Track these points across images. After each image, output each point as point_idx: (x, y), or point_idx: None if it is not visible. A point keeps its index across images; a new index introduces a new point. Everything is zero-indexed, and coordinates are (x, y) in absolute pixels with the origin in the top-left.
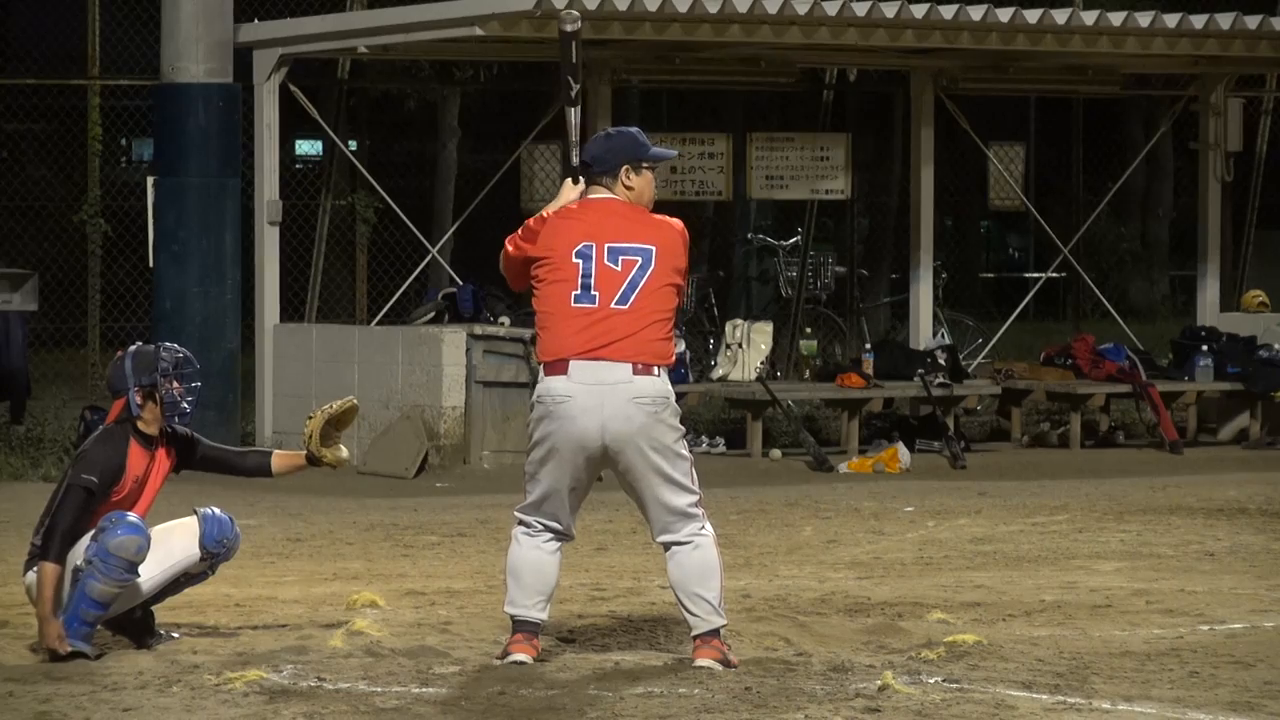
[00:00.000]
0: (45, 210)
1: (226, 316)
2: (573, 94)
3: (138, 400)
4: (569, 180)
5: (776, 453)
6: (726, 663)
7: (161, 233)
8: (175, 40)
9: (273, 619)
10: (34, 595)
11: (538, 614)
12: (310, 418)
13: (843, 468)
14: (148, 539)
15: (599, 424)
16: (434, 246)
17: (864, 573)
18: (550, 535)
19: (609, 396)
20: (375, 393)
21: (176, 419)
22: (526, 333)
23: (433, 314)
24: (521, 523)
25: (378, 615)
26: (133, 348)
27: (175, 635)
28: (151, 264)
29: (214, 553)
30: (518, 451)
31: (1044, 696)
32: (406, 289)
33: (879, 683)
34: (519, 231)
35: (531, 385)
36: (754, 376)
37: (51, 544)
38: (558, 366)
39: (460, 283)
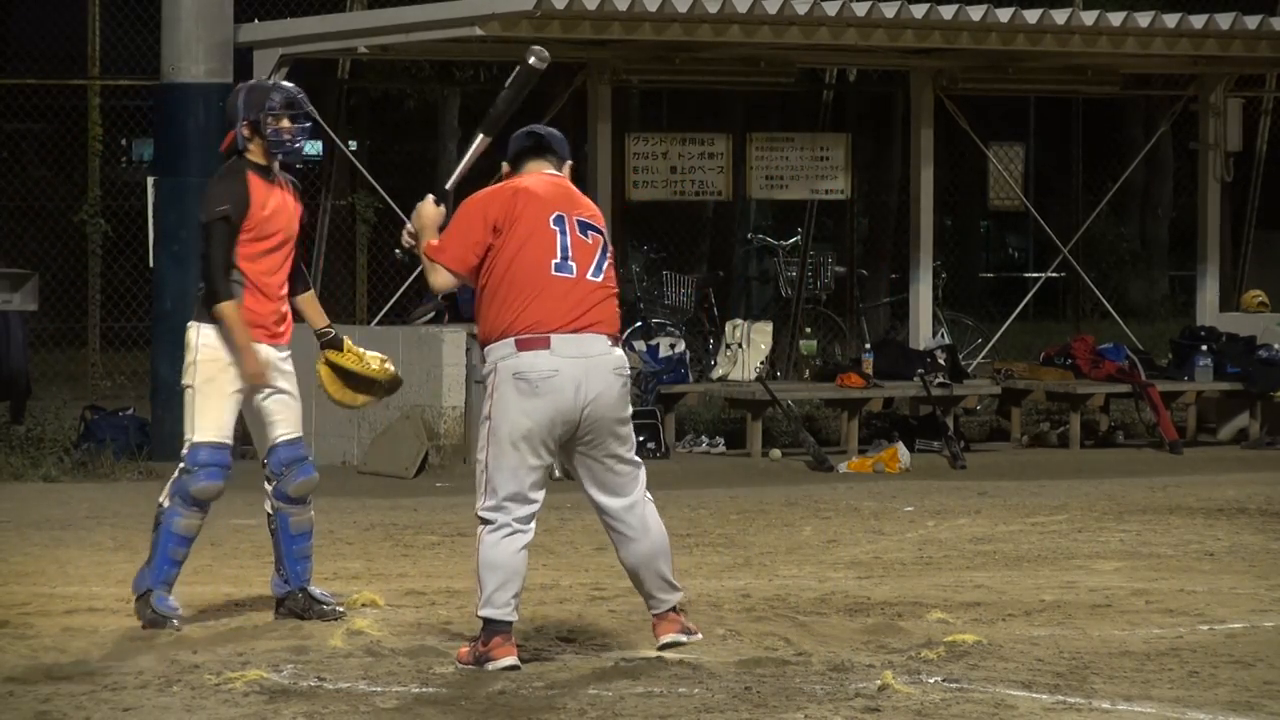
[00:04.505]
0: (45, 210)
1: None
2: (499, 125)
3: (245, 134)
4: (431, 199)
5: (776, 453)
6: (688, 631)
7: (162, 233)
8: (175, 40)
9: (273, 619)
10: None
11: (513, 615)
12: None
13: (843, 468)
14: (225, 480)
15: (582, 396)
16: None
17: (864, 573)
18: (519, 531)
19: (592, 369)
20: None
21: (281, 155)
22: None
23: (433, 314)
24: (488, 521)
25: (378, 615)
26: (251, 82)
27: (340, 609)
28: (152, 264)
29: (274, 471)
30: None
31: (1044, 696)
32: (406, 289)
33: (879, 682)
34: (454, 222)
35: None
36: (754, 376)
37: (216, 284)
38: (538, 341)
39: None
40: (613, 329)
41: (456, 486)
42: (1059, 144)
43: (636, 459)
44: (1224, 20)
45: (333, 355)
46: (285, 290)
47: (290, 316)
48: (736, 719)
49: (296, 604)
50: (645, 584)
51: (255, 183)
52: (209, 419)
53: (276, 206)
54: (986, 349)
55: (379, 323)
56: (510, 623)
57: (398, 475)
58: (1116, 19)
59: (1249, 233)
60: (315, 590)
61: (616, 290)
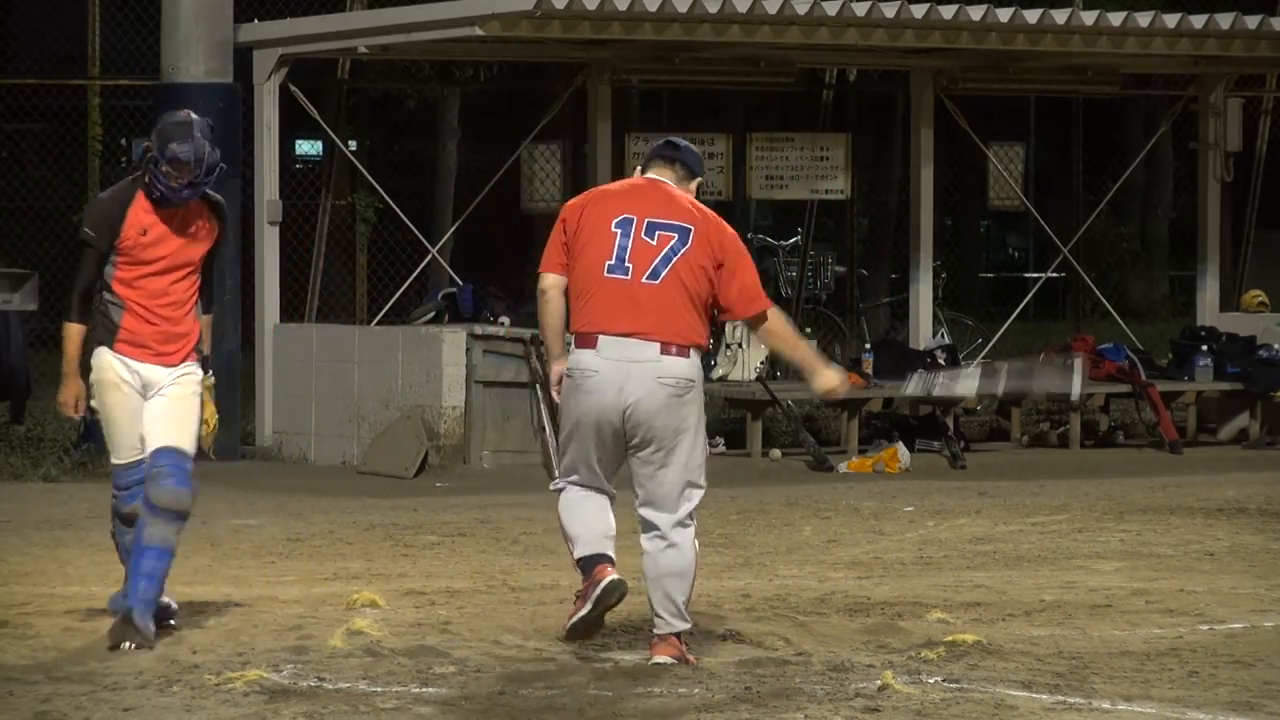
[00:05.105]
0: (45, 210)
1: (226, 316)
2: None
3: (144, 155)
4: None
5: (776, 453)
6: (683, 660)
7: None
8: (175, 40)
9: (273, 619)
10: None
11: (609, 549)
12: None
13: (843, 468)
14: (195, 487)
15: (623, 399)
16: (434, 246)
17: (864, 573)
18: (593, 490)
19: (634, 373)
20: (375, 393)
21: (153, 194)
22: (526, 333)
23: (433, 314)
24: (560, 489)
25: (378, 615)
26: (181, 114)
27: (174, 621)
28: None
29: (147, 473)
30: (518, 451)
31: (1044, 696)
32: (406, 289)
33: (879, 682)
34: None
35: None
36: (754, 376)
37: (71, 305)
38: (588, 340)
39: (460, 283)
40: (670, 336)
41: (456, 486)
42: (1059, 144)
43: (695, 481)
44: (1224, 20)
45: None
46: (183, 311)
47: (191, 336)
48: (736, 719)
49: (118, 629)
50: (654, 600)
51: (139, 206)
52: (118, 441)
53: (161, 233)
54: (987, 349)
55: (379, 323)
56: (607, 555)
57: (398, 475)
58: (1116, 19)
59: (1249, 233)
60: (139, 618)
61: (688, 293)
